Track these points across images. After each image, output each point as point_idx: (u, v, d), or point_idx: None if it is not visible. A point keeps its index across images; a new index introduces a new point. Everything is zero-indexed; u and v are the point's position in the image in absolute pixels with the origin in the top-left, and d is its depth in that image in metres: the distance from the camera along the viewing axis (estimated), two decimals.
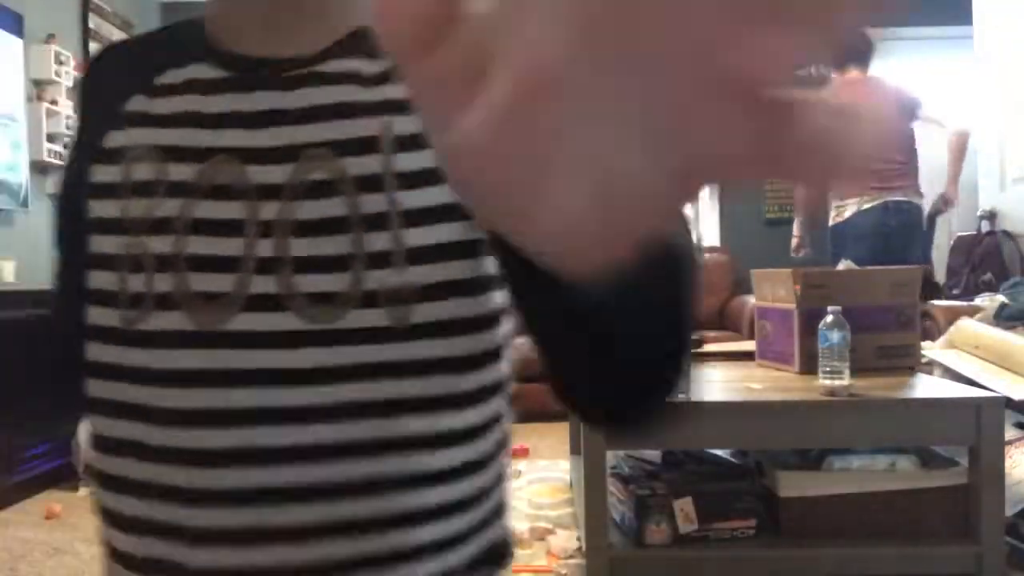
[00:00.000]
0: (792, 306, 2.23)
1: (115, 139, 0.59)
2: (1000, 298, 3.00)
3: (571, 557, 2.38)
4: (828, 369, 1.93)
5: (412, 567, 0.54)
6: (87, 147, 0.61)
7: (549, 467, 3.39)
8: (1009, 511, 2.03)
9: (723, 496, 1.97)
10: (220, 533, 0.53)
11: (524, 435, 3.76)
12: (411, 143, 0.54)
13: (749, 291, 3.05)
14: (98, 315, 0.56)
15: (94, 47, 4.72)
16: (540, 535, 2.56)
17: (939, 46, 5.37)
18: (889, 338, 2.24)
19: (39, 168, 4.15)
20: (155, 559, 0.54)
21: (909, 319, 2.26)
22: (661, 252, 0.35)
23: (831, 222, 3.94)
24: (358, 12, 0.60)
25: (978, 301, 3.24)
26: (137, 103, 0.60)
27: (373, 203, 0.53)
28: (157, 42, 0.65)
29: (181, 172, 0.56)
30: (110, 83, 0.63)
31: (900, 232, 3.76)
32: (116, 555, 0.57)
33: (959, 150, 3.90)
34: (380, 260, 0.53)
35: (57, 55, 4.19)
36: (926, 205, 3.91)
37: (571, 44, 0.16)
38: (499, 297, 0.55)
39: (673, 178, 0.17)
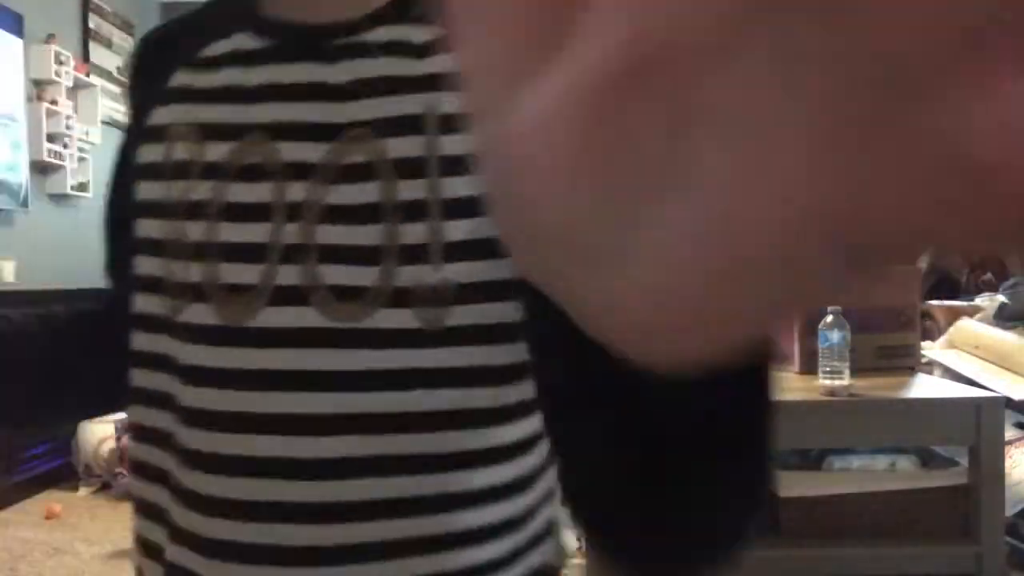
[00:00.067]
0: None
1: (160, 116, 0.56)
2: (1000, 298, 3.00)
3: (571, 557, 2.38)
4: (828, 369, 1.93)
5: None
6: (136, 127, 0.58)
7: None
8: (1009, 511, 2.03)
9: None
10: (232, 547, 0.48)
11: None
12: (459, 123, 0.47)
13: None
14: (144, 303, 0.54)
15: (94, 47, 4.73)
16: None
17: None
18: (889, 338, 2.24)
19: (39, 168, 4.15)
20: (175, 564, 0.52)
21: (909, 319, 2.26)
22: (763, 363, 0.28)
23: None
24: None
25: (978, 301, 3.24)
26: (181, 78, 0.56)
27: (411, 190, 0.48)
28: (208, 13, 0.60)
29: (216, 152, 0.52)
30: (158, 58, 0.60)
31: None
32: (144, 547, 0.55)
33: None
34: (414, 254, 0.47)
35: (57, 55, 4.19)
36: None
37: None
38: None
39: (852, 241, 0.10)
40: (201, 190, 0.52)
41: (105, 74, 4.84)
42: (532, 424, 0.51)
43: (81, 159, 4.47)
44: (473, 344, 0.48)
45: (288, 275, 0.48)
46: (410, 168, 0.48)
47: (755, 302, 0.11)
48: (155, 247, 0.54)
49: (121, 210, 0.58)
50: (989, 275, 3.97)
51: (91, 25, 4.72)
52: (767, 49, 0.09)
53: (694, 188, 0.10)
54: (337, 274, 0.48)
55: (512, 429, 0.50)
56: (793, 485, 1.98)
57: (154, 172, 0.55)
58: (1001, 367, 2.48)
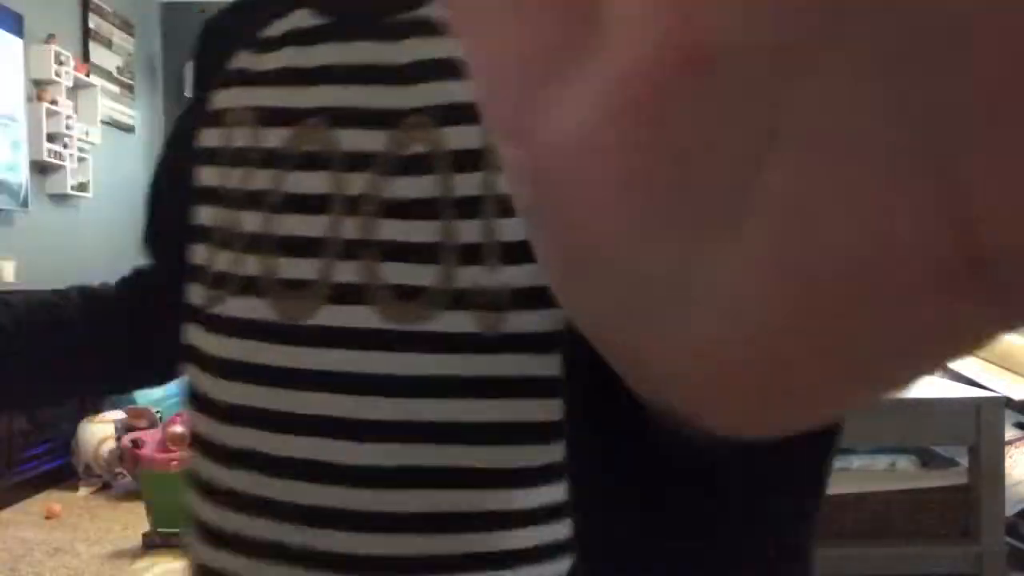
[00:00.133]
0: None
1: (221, 99, 0.54)
2: None
3: None
4: None
5: None
6: (197, 109, 0.57)
7: None
8: (1009, 511, 2.03)
9: None
10: (273, 548, 0.47)
11: None
12: None
13: None
14: (188, 292, 0.53)
15: (94, 47, 4.73)
16: None
17: None
18: None
19: (39, 168, 4.15)
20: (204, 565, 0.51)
21: None
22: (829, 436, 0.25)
23: None
24: None
25: None
26: (241, 59, 0.54)
27: (467, 184, 0.45)
28: None
29: (274, 138, 0.50)
30: (221, 39, 0.58)
31: None
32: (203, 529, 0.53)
33: None
34: (470, 253, 0.45)
35: (57, 55, 4.20)
36: None
37: None
38: None
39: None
40: (260, 179, 0.50)
41: (105, 74, 4.84)
42: None
43: (81, 159, 4.47)
44: (527, 352, 0.45)
45: (346, 272, 0.46)
46: (468, 160, 0.46)
47: (857, 352, 0.09)
48: (206, 234, 0.52)
49: (169, 186, 0.57)
50: None
51: (91, 25, 4.72)
52: (868, 52, 0.08)
53: (768, 213, 0.08)
54: (397, 272, 0.46)
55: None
56: None
57: (211, 157, 0.53)
58: (1001, 367, 2.48)
